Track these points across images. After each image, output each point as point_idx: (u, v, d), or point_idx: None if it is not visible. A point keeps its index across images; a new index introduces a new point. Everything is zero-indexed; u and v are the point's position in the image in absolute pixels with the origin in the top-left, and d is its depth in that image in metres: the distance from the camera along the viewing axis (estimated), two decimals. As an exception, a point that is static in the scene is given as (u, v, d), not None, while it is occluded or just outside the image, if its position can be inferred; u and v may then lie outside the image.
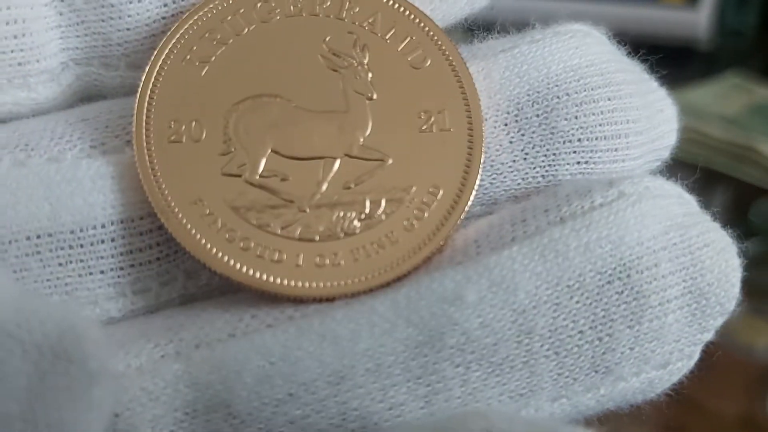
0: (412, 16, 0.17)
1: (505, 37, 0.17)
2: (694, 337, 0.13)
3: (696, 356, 0.13)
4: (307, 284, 0.15)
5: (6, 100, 0.16)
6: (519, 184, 0.15)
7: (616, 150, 0.15)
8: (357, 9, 0.17)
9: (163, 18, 0.17)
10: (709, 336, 0.13)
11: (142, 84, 0.16)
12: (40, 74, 0.17)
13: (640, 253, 0.12)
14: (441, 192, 0.15)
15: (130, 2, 0.16)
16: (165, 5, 0.17)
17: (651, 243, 0.12)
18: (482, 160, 0.15)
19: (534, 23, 0.16)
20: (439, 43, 0.16)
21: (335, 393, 0.12)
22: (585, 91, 0.15)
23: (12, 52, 0.16)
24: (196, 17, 0.17)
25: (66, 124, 0.16)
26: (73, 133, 0.16)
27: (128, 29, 0.17)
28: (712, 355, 0.45)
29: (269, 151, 0.16)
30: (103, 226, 0.15)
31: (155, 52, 0.16)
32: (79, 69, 0.17)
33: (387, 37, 0.17)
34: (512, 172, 0.15)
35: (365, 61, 0.16)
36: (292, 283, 0.15)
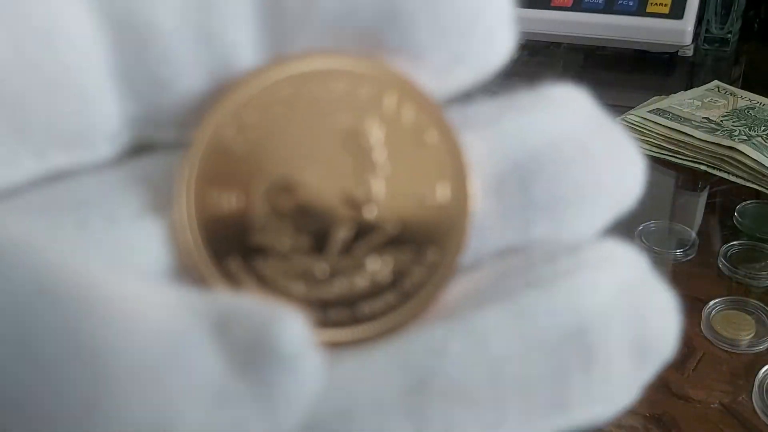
0: (416, 88, 0.17)
1: (495, 103, 0.18)
2: (636, 379, 0.15)
3: (635, 393, 0.15)
4: None
5: (60, 162, 0.17)
6: (499, 244, 0.17)
7: (583, 213, 0.17)
8: (366, 87, 0.17)
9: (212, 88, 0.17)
10: (648, 376, 0.15)
11: (183, 160, 0.16)
12: (98, 137, 0.17)
13: (593, 317, 0.15)
14: (435, 258, 0.17)
15: (179, 77, 0.17)
16: (213, 78, 0.17)
17: (605, 308, 0.15)
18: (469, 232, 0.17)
19: (519, 84, 0.17)
20: (441, 118, 0.17)
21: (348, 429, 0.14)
22: (560, 162, 0.16)
23: (71, 117, 0.16)
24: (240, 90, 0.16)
25: (118, 184, 0.17)
26: (123, 195, 0.17)
27: (179, 102, 0.18)
28: (698, 350, 0.46)
29: (290, 227, 0.16)
30: None
31: (197, 132, 0.17)
32: (133, 132, 0.18)
33: (397, 114, 0.17)
34: (493, 232, 0.17)
35: (376, 140, 0.17)
36: None
